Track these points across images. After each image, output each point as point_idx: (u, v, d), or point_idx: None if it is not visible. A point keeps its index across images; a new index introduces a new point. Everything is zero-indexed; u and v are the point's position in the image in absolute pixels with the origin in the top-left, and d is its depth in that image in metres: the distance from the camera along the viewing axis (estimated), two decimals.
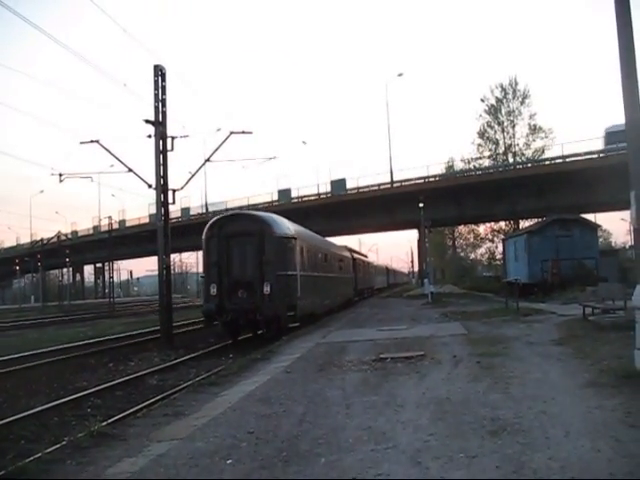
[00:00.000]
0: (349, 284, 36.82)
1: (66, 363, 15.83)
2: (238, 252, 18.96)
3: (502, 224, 61.86)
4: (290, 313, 19.41)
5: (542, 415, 6.41)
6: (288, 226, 21.28)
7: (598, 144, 44.14)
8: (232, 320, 18.48)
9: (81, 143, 21.72)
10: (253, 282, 18.54)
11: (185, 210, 61.50)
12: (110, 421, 8.26)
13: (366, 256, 59.91)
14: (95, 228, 74.60)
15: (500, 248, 55.60)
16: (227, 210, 61.54)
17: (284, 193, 56.26)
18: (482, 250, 71.41)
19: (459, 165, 61.95)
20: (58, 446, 6.99)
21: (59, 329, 30.14)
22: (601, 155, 42.77)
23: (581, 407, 6.66)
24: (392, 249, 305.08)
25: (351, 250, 42.69)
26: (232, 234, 18.98)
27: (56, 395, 10.95)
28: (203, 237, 19.61)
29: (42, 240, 77.05)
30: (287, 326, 19.18)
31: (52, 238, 75.50)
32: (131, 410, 9.14)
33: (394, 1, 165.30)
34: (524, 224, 55.08)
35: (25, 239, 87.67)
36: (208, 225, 19.78)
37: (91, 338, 22.20)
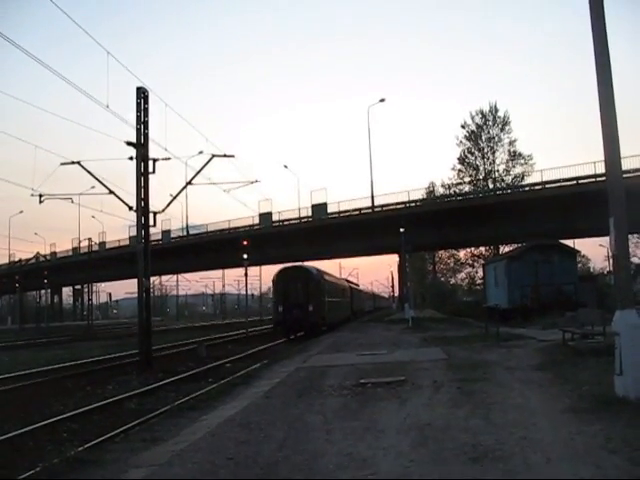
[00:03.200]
0: (348, 306, 49.36)
1: (42, 386, 15.60)
2: (293, 288, 32.46)
3: (482, 249, 62.29)
4: (322, 322, 33.10)
5: (523, 441, 6.36)
6: (318, 271, 35.90)
7: (576, 171, 44.68)
8: (289, 325, 31.59)
9: (62, 164, 21.64)
10: (302, 304, 31.53)
11: (166, 233, 61.19)
12: (87, 446, 8.13)
13: (358, 285, 74.94)
14: (74, 250, 73.86)
15: (480, 273, 55.92)
16: (208, 233, 61.98)
17: (265, 217, 56.14)
18: (462, 275, 71.71)
19: (440, 190, 62.47)
20: (32, 472, 6.85)
21: (36, 351, 29.73)
22: (579, 182, 43.30)
23: (562, 433, 6.64)
24: (373, 273, 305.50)
25: (349, 281, 60.15)
26: (290, 278, 33.08)
27: (31, 419, 10.71)
28: (274, 279, 34.40)
29: (20, 261, 76.27)
30: (321, 329, 32.46)
31: (31, 259, 74.78)
32: (108, 435, 8.98)
33: (376, 26, 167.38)
34: (504, 249, 55.51)
35: (3, 260, 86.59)
36: (276, 273, 34.60)
37: (68, 361, 21.88)
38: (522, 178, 58.02)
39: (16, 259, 78.51)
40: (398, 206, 51.64)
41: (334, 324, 36.88)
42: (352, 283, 63.29)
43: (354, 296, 55.11)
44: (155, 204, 21.14)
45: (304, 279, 32.82)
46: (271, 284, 35.70)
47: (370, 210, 52.54)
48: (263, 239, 52.25)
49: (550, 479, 5.02)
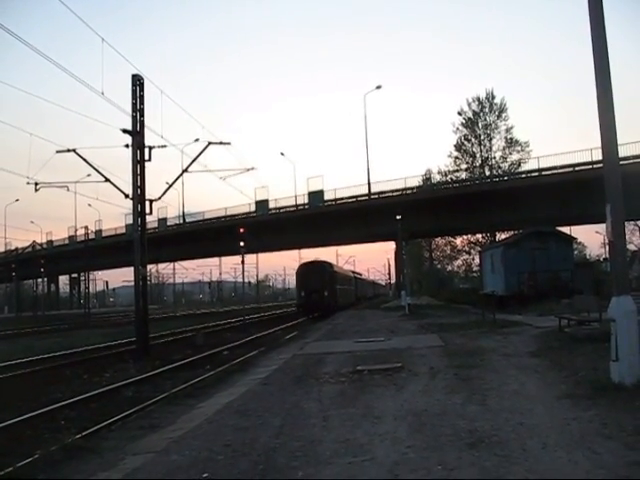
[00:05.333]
0: (353, 293, 59.83)
1: (39, 375, 15.57)
2: (312, 277, 40.94)
3: (479, 236, 62.15)
4: (334, 304, 42.06)
5: (519, 427, 6.40)
6: (331, 265, 46.17)
7: (573, 158, 44.65)
8: (309, 307, 40.34)
9: (57, 152, 21.52)
10: (319, 290, 40.04)
11: (162, 221, 61.06)
12: (84, 434, 8.13)
13: (361, 275, 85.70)
14: (71, 238, 73.69)
15: (477, 260, 55.95)
16: (204, 221, 62.04)
17: (262, 204, 55.99)
18: (459, 262, 71.58)
19: (436, 178, 62.14)
20: (30, 460, 6.85)
21: (33, 340, 29.70)
22: (576, 169, 43.30)
23: (558, 419, 6.67)
24: (369, 261, 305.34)
25: (354, 272, 72.43)
26: (309, 270, 42.38)
27: (29, 407, 10.70)
28: (297, 271, 44.68)
29: (17, 249, 76.20)
30: (334, 311, 40.56)
31: (27, 248, 74.75)
32: (106, 422, 8.98)
33: (372, 15, 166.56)
34: (500, 236, 55.47)
35: None
36: (298, 266, 45.90)
37: (66, 349, 21.87)
38: (519, 165, 57.64)
39: (12, 248, 78.45)
40: (395, 193, 51.58)
41: (343, 306, 46.64)
42: (356, 273, 75.38)
43: (358, 284, 66.88)
44: (151, 192, 21.11)
45: (320, 271, 42.07)
46: (295, 275, 46.40)
47: (367, 197, 52.46)
48: (260, 227, 52.12)
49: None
